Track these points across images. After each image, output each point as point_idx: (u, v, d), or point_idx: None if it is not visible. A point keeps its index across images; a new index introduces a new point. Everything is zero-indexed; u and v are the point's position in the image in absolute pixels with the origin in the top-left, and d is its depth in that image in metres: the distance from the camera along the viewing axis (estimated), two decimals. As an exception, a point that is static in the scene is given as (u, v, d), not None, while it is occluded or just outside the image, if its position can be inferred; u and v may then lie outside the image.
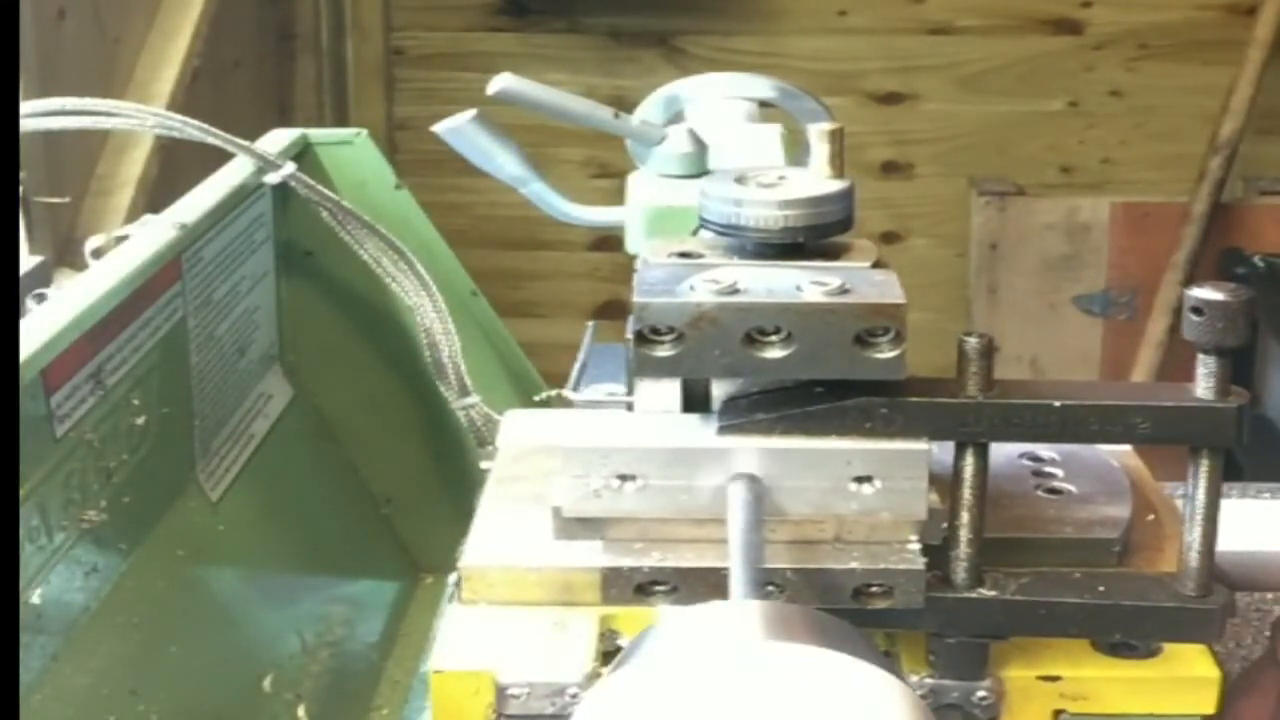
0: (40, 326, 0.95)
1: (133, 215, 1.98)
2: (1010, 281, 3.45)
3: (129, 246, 1.10)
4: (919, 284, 3.07)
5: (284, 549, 1.33)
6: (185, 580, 1.15)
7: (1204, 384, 0.74)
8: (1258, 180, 3.40)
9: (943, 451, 0.77)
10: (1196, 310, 0.73)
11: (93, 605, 1.00)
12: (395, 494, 1.50)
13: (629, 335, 0.77)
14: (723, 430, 0.77)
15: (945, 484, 0.77)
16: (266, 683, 1.19)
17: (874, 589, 0.76)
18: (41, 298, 1.07)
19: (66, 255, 1.91)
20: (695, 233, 0.86)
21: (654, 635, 0.67)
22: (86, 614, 0.99)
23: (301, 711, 1.21)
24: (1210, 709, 0.78)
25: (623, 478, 0.77)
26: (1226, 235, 3.30)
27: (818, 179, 0.82)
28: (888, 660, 0.71)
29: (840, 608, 0.74)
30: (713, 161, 1.13)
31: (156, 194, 2.15)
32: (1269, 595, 1.22)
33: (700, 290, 0.76)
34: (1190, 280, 3.18)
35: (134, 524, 1.07)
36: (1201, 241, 3.24)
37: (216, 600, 1.19)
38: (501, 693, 0.76)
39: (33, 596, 0.92)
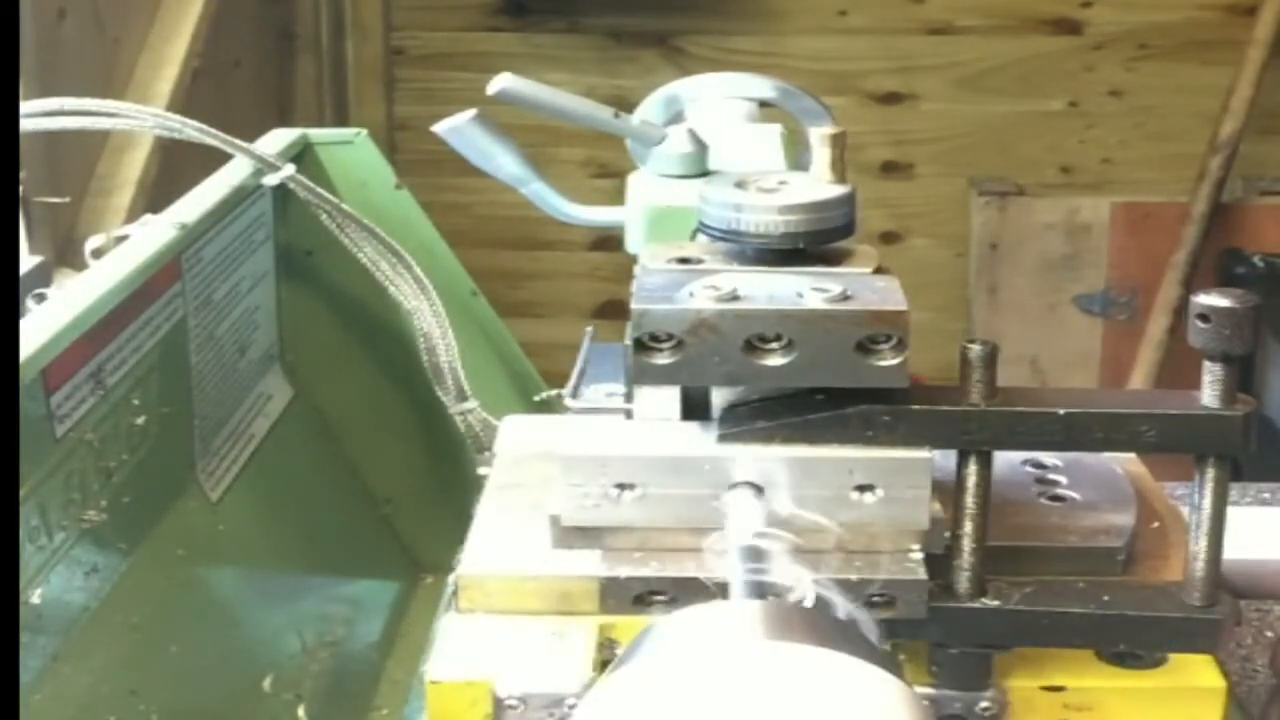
0: (40, 326, 0.95)
1: (133, 215, 1.98)
2: (1010, 281, 3.45)
3: (129, 246, 1.10)
4: (919, 284, 3.06)
5: (284, 549, 1.33)
6: (185, 580, 1.14)
7: (1210, 391, 0.74)
8: (1258, 180, 3.40)
9: (945, 458, 0.77)
10: (1203, 317, 0.72)
11: (93, 605, 1.00)
12: (395, 494, 1.50)
13: (628, 342, 0.77)
14: (722, 438, 0.77)
15: (947, 492, 0.77)
16: (266, 683, 1.19)
17: (876, 599, 0.75)
18: (41, 298, 1.06)
19: (66, 255, 1.91)
20: (693, 236, 0.86)
21: (653, 635, 0.67)
22: (86, 614, 0.99)
23: (301, 711, 1.21)
24: (1216, 719, 0.78)
25: (621, 486, 0.76)
26: (1226, 235, 3.30)
27: (819, 184, 0.81)
28: (889, 659, 0.71)
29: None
30: (713, 161, 1.12)
31: (156, 194, 2.14)
32: (1269, 597, 1.22)
33: (700, 297, 0.75)
34: (1190, 280, 3.19)
35: (134, 524, 1.06)
36: (1201, 241, 3.24)
37: (216, 600, 1.19)
38: (499, 703, 0.76)
39: (33, 596, 0.92)
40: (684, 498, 0.76)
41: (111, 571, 1.03)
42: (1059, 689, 0.79)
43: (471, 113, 1.16)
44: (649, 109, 1.28)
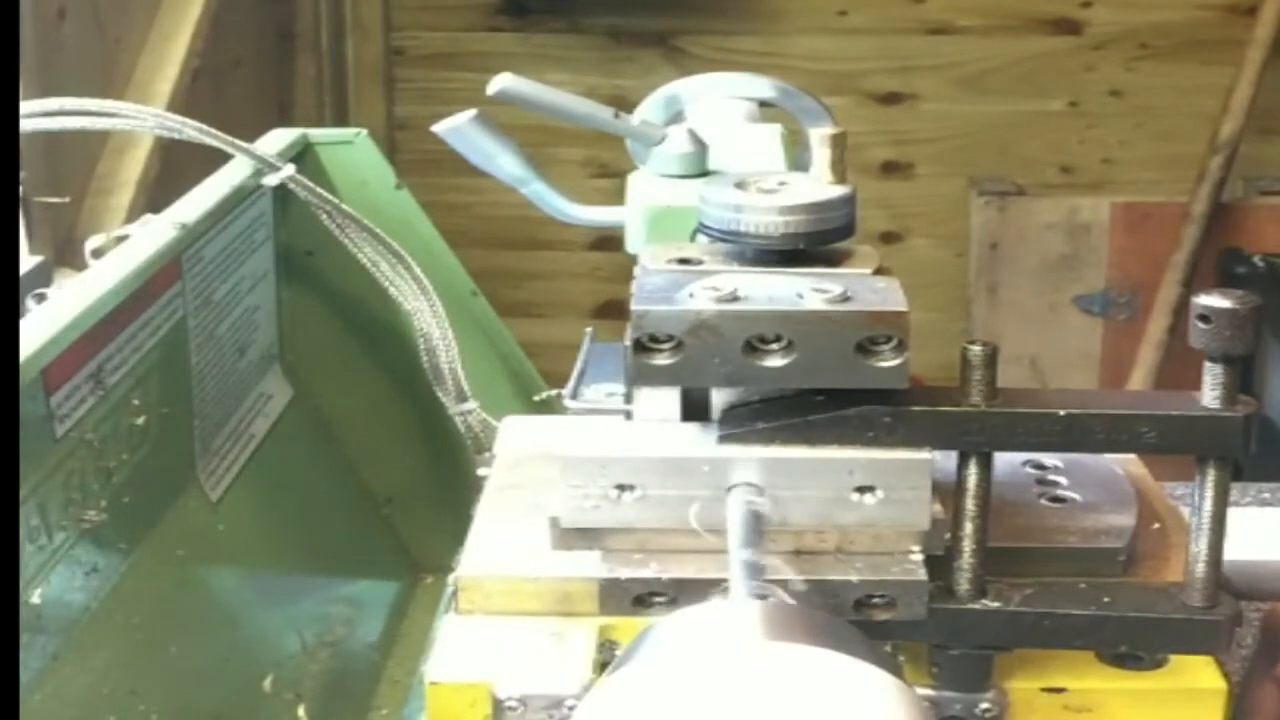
0: (40, 326, 0.94)
1: (133, 215, 1.98)
2: (1010, 281, 3.46)
3: (129, 246, 1.10)
4: (919, 284, 3.06)
5: (284, 549, 1.33)
6: (185, 580, 1.14)
7: (1211, 393, 0.74)
8: (1258, 180, 3.41)
9: (945, 459, 0.77)
10: (1203, 318, 0.72)
11: (93, 605, 1.00)
12: (395, 494, 1.50)
13: (628, 342, 0.77)
14: (722, 439, 0.77)
15: (948, 493, 0.77)
16: (266, 683, 1.19)
17: (876, 600, 0.75)
18: (41, 298, 1.06)
19: (66, 255, 1.91)
20: (693, 237, 0.86)
21: (653, 635, 0.67)
22: (86, 614, 0.99)
23: (301, 711, 1.20)
24: (1217, 720, 0.78)
25: (621, 488, 0.76)
26: (1226, 235, 3.30)
27: (819, 184, 0.81)
28: (889, 659, 0.71)
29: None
30: (713, 161, 1.12)
31: (156, 194, 2.15)
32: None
33: (700, 298, 0.75)
34: (1190, 280, 3.19)
35: (134, 524, 1.06)
36: (1201, 241, 3.25)
37: (216, 600, 1.19)
38: (498, 704, 0.76)
39: (33, 596, 0.92)
40: (684, 499, 0.76)
41: (111, 571, 1.03)
42: (1059, 690, 0.79)
43: (471, 113, 1.16)
44: (649, 109, 1.28)
